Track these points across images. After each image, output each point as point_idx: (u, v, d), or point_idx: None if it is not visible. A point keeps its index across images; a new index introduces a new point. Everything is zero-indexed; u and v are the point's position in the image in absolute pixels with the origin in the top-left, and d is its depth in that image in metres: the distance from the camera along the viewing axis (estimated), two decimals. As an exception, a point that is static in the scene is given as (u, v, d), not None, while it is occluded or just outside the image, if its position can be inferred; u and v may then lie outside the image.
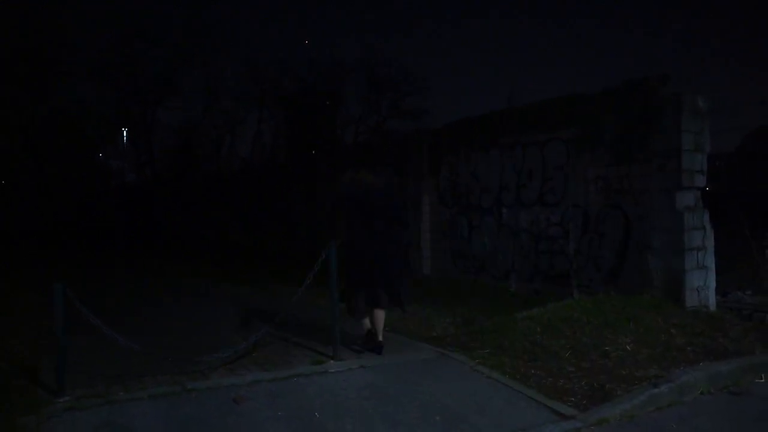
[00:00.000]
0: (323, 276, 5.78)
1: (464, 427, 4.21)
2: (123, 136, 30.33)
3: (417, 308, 8.18)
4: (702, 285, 7.02)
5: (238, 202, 18.82)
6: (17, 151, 25.32)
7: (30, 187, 28.08)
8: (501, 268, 9.62)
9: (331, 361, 5.59)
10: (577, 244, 8.27)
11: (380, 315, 5.79)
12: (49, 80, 25.06)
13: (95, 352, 5.92)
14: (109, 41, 27.43)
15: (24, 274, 12.32)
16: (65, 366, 4.74)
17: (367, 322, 5.88)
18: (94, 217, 26.65)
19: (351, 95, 33.63)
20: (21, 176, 28.39)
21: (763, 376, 5.24)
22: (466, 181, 10.42)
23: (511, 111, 10.13)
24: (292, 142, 31.80)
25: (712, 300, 7.12)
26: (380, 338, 5.83)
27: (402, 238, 6.14)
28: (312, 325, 7.12)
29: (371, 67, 31.96)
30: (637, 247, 7.44)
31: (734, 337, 6.04)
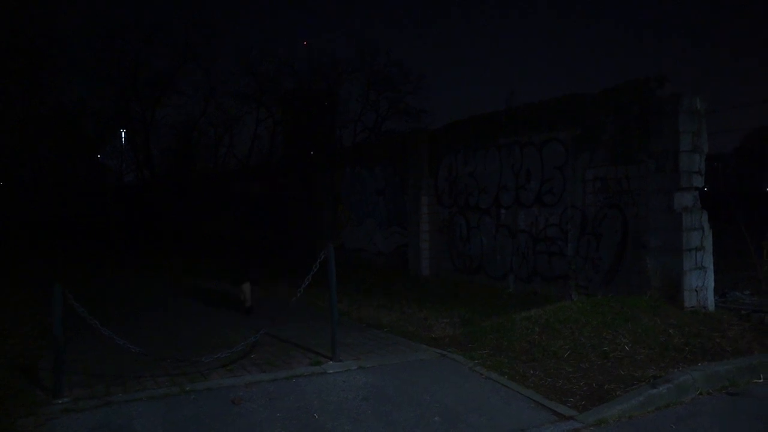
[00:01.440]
0: (322, 276, 5.78)
1: (463, 428, 4.22)
2: (121, 136, 30.31)
3: (415, 309, 8.19)
4: (700, 285, 7.02)
5: (236, 201, 18.78)
6: (16, 149, 25.24)
7: (29, 185, 28.04)
8: (499, 268, 9.63)
9: (330, 362, 5.59)
10: (575, 244, 8.27)
11: (247, 286, 8.07)
12: (49, 78, 25.02)
13: (93, 353, 5.92)
14: (109, 40, 27.42)
15: (22, 271, 12.30)
16: (63, 367, 4.73)
17: (245, 289, 8.08)
18: (92, 215, 26.61)
19: (350, 95, 33.59)
20: (20, 174, 28.34)
21: (761, 376, 5.25)
22: (464, 181, 10.42)
23: (509, 111, 10.13)
24: (290, 142, 31.76)
25: (710, 300, 7.12)
26: (249, 304, 8.06)
27: (269, 235, 8.85)
28: (310, 326, 7.12)
29: (370, 66, 31.95)
30: (635, 248, 7.44)
31: (732, 337, 6.05)
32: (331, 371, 5.38)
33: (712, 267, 7.15)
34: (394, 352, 6.04)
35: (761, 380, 5.21)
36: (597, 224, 7.97)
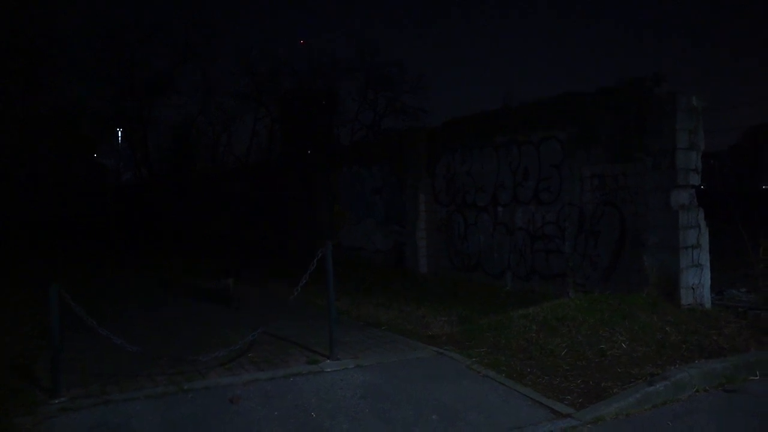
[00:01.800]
0: (321, 274, 5.78)
1: (460, 426, 4.23)
2: (118, 135, 30.33)
3: (413, 307, 8.20)
4: (697, 283, 7.04)
5: (235, 200, 18.81)
6: (16, 149, 25.26)
7: (28, 185, 28.05)
8: (497, 266, 9.64)
9: (328, 361, 5.60)
10: (573, 242, 8.28)
11: (231, 281, 8.98)
12: (48, 78, 25.03)
13: (91, 352, 5.92)
14: (107, 39, 27.42)
15: (22, 271, 12.29)
16: (61, 366, 4.74)
17: (229, 283, 8.96)
18: (91, 215, 26.62)
19: (348, 94, 33.61)
20: (19, 174, 28.34)
21: (757, 373, 5.26)
22: (462, 179, 10.43)
23: (507, 110, 10.14)
24: (289, 141, 31.77)
25: (707, 298, 7.14)
26: (233, 297, 8.84)
27: (268, 234, 10.20)
28: (309, 325, 7.13)
29: (369, 65, 31.95)
30: (632, 246, 7.45)
31: (729, 334, 6.06)
32: (328, 370, 5.39)
33: (708, 265, 7.17)
34: (392, 350, 6.05)
35: (757, 377, 5.22)
36: (595, 222, 7.98)
